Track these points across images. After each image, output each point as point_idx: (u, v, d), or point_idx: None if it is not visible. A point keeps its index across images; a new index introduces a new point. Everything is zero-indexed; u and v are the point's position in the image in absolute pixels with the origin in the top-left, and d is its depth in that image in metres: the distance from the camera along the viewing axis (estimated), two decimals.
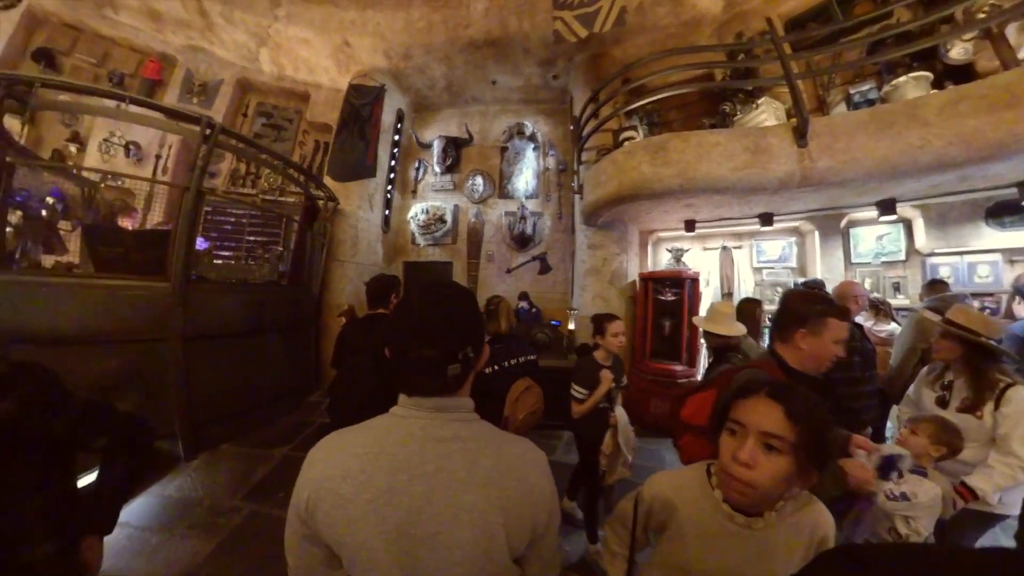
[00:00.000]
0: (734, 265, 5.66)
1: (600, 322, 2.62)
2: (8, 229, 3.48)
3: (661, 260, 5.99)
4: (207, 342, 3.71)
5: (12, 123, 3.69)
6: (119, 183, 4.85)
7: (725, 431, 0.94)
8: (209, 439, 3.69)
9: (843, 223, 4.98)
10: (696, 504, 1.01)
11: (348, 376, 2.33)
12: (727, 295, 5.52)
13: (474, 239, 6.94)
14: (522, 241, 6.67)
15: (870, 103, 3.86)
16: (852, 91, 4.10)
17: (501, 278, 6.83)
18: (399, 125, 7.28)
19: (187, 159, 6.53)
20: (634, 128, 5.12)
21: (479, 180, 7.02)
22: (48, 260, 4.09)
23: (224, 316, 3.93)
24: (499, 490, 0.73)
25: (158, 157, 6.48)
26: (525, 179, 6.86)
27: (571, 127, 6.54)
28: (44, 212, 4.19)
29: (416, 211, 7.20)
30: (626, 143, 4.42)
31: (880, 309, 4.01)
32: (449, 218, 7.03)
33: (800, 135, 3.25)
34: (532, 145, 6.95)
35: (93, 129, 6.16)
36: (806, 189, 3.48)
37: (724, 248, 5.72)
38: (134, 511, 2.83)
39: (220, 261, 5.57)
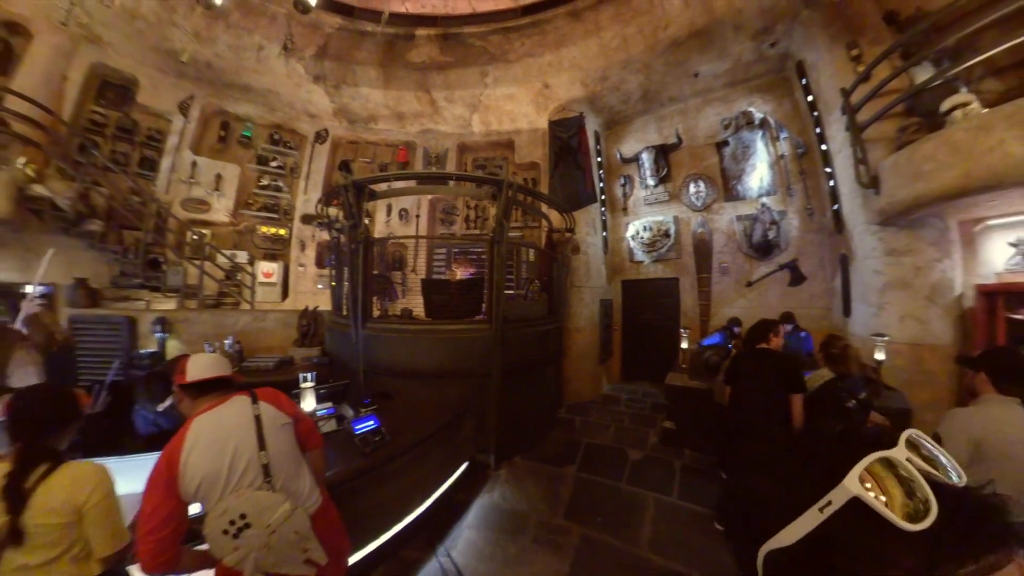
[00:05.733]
0: None
1: None
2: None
3: (992, 258, 4.49)
4: (515, 374, 4.34)
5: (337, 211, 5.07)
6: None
7: None
8: (506, 452, 4.42)
9: None
10: None
11: (748, 390, 3.02)
12: None
13: (702, 251, 6.53)
14: (763, 248, 5.95)
15: None
16: None
17: (739, 292, 6.28)
18: (598, 147, 7.29)
19: (432, 215, 8.06)
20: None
21: (700, 185, 6.51)
22: (394, 307, 5.56)
23: (524, 351, 4.64)
24: None
25: (417, 217, 8.06)
26: (759, 175, 6.04)
27: (807, 97, 5.42)
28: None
29: (637, 228, 7.16)
30: (961, 112, 3.40)
31: None
32: (672, 231, 6.76)
33: None
34: (761, 133, 6.03)
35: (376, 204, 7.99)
36: None
37: None
38: (478, 514, 3.33)
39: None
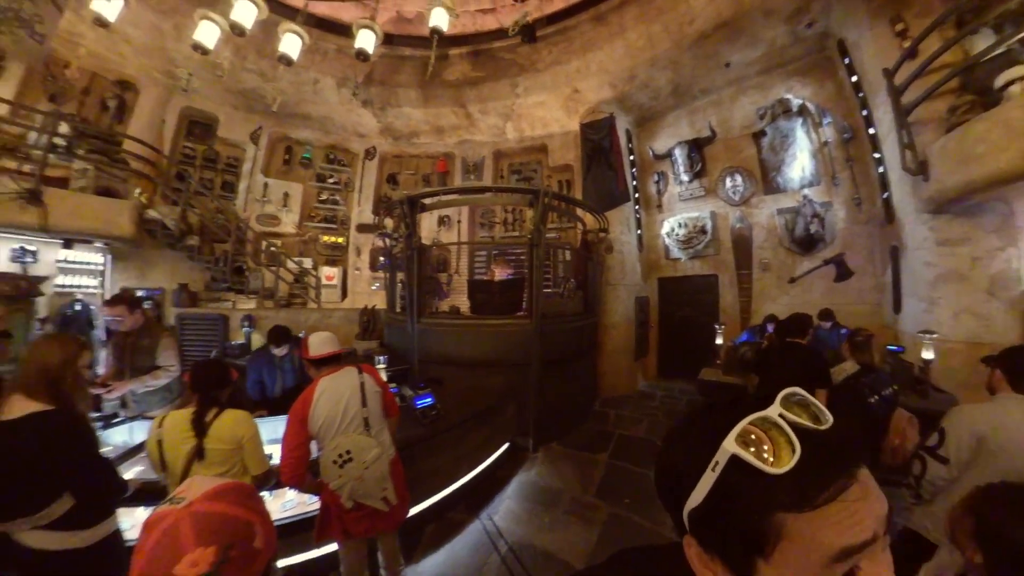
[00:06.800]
0: None
1: None
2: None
3: None
4: (553, 365, 4.68)
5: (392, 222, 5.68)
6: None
7: None
8: (544, 438, 4.69)
9: None
10: None
11: (775, 383, 2.88)
12: None
13: (742, 247, 6.34)
14: (807, 242, 5.68)
15: None
16: None
17: (781, 289, 6.02)
18: (629, 145, 7.30)
19: (472, 219, 8.51)
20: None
21: (737, 179, 6.33)
22: (442, 305, 6.13)
23: (560, 345, 4.90)
24: None
25: (458, 222, 8.54)
26: (800, 165, 5.77)
27: (851, 78, 5.08)
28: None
29: (672, 225, 7.10)
30: (1020, 87, 3.14)
31: None
32: (708, 227, 6.63)
33: None
34: (801, 120, 5.74)
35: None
36: None
37: None
38: (517, 489, 3.66)
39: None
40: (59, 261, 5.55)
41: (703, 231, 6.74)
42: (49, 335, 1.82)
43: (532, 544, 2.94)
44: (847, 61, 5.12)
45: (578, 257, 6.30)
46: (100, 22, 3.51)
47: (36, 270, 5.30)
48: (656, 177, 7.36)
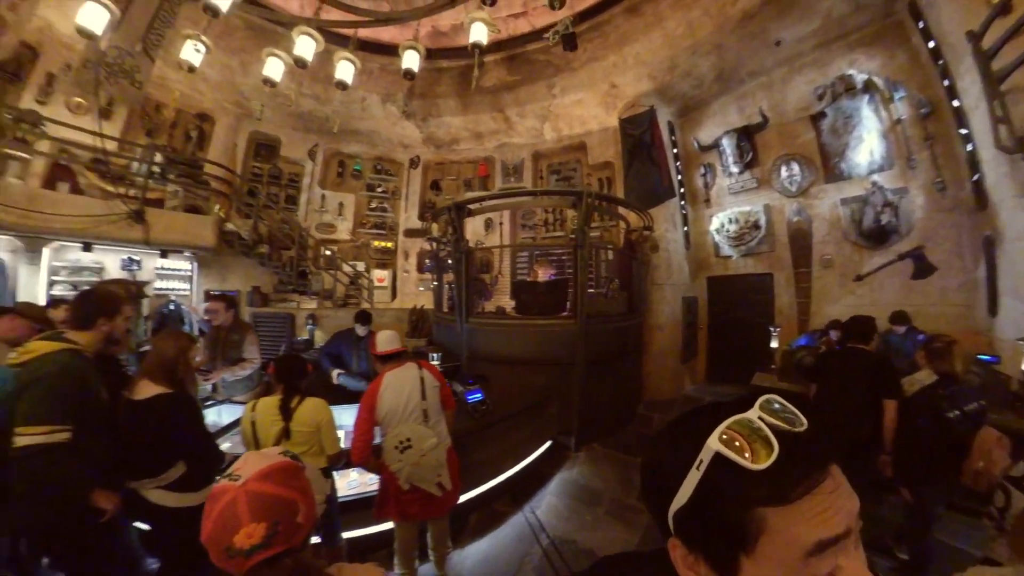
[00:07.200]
0: None
1: None
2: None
3: None
4: (596, 365, 4.66)
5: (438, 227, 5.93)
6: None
7: None
8: (586, 437, 4.64)
9: None
10: None
11: (834, 391, 2.78)
12: None
13: (799, 242, 5.80)
14: (877, 235, 5.06)
15: None
16: None
17: (846, 288, 5.41)
18: (673, 137, 6.95)
19: (514, 221, 8.61)
20: None
21: (793, 167, 5.80)
22: (488, 305, 6.33)
23: (604, 345, 4.85)
24: None
25: (500, 224, 8.67)
26: (868, 147, 5.15)
27: (927, 44, 4.43)
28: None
29: (722, 221, 6.67)
30: None
31: None
32: (762, 222, 6.14)
33: None
34: (867, 97, 5.12)
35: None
36: None
37: None
38: (559, 485, 3.72)
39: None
40: (157, 268, 6.50)
41: (756, 226, 6.25)
42: (166, 332, 2.20)
43: (574, 540, 2.99)
44: (921, 25, 4.49)
45: (622, 257, 6.15)
46: (188, 68, 4.02)
47: (141, 276, 6.27)
48: (703, 170, 6.95)
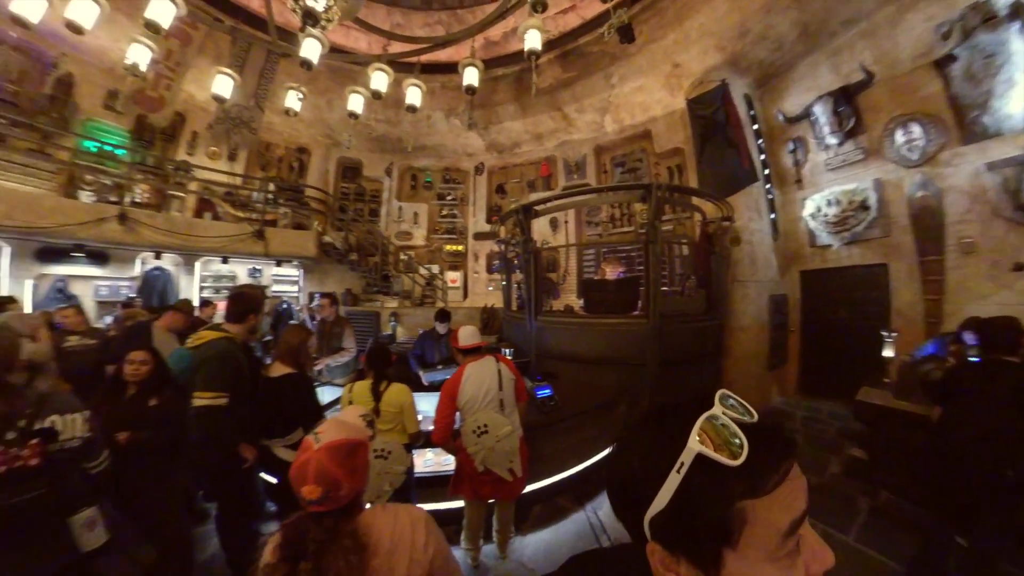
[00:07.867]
0: None
1: None
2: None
3: None
4: (670, 367, 4.36)
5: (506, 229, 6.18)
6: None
7: None
8: None
9: None
10: None
11: (970, 416, 2.25)
12: None
13: (926, 223, 4.60)
14: None
15: None
16: None
17: (998, 281, 4.11)
18: (751, 112, 6.07)
19: (579, 219, 8.42)
20: None
21: (912, 130, 4.61)
22: (555, 303, 6.44)
23: (680, 346, 4.53)
24: None
25: (565, 223, 8.56)
26: (1022, 92, 3.85)
27: None
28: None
29: (818, 204, 5.61)
30: None
31: None
32: (872, 201, 5.04)
33: None
34: (1018, 25, 3.82)
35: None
36: None
37: None
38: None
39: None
40: (273, 275, 7.98)
41: (863, 207, 5.12)
42: (293, 325, 2.82)
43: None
44: None
45: (699, 251, 5.58)
46: (292, 113, 4.60)
47: (262, 282, 7.77)
48: (791, 146, 5.93)
